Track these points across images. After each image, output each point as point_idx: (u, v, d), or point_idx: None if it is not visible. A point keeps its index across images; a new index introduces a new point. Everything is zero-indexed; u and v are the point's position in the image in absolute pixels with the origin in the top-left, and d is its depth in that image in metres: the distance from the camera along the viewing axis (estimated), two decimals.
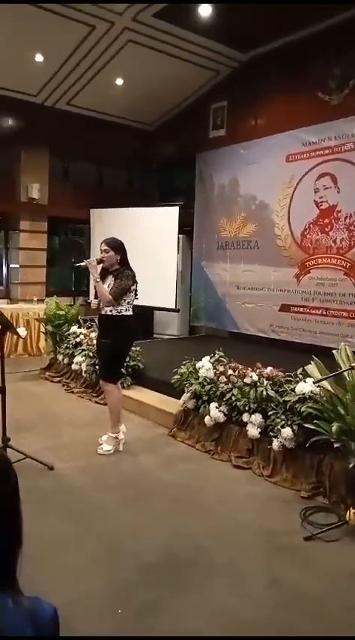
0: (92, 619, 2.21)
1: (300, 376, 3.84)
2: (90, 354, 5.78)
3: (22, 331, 4.24)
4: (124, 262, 4.12)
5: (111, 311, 4.05)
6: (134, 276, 4.08)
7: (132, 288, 4.06)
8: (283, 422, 3.70)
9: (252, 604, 2.34)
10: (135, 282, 4.07)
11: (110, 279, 4.08)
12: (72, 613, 2.08)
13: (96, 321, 4.55)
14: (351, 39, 6.19)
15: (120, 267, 4.09)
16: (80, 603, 2.27)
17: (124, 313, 4.07)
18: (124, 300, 4.05)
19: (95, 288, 4.13)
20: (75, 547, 2.78)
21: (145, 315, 8.41)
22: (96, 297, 4.19)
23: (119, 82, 7.70)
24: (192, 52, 7.16)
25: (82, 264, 4.21)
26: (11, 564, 0.93)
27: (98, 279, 4.06)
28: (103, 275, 4.13)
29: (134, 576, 2.52)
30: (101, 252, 4.11)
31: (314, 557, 2.75)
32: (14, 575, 0.93)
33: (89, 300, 5.05)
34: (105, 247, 4.08)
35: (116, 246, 4.09)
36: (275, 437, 3.74)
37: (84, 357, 5.93)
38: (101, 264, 4.13)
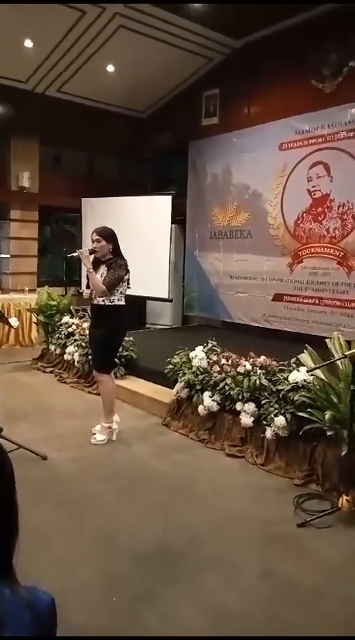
0: (85, 609, 2.21)
1: (293, 365, 3.85)
2: (83, 344, 5.75)
3: (14, 321, 4.21)
4: (117, 251, 4.08)
5: (103, 301, 4.02)
6: (126, 266, 4.04)
7: (125, 277, 4.03)
8: (276, 410, 3.71)
9: (245, 595, 2.35)
10: (127, 271, 4.04)
11: (103, 269, 4.04)
12: (65, 603, 2.07)
13: (89, 311, 4.52)
14: (346, 26, 6.14)
15: (112, 257, 4.05)
16: (73, 593, 2.27)
17: (117, 303, 4.04)
18: (117, 290, 4.01)
19: (88, 279, 4.09)
20: (68, 537, 2.78)
21: (138, 305, 8.38)
22: (88, 287, 4.16)
23: (110, 68, 7.60)
24: (184, 38, 7.07)
25: (74, 254, 4.17)
26: (7, 554, 0.92)
27: (91, 270, 4.02)
28: (96, 265, 4.09)
29: (127, 567, 2.53)
30: (93, 242, 4.07)
31: (307, 545, 2.76)
32: (10, 565, 0.92)
33: (81, 290, 5.01)
34: (97, 237, 4.04)
35: (108, 235, 4.05)
36: (269, 425, 3.75)
37: (76, 348, 5.90)
38: (93, 254, 4.09)
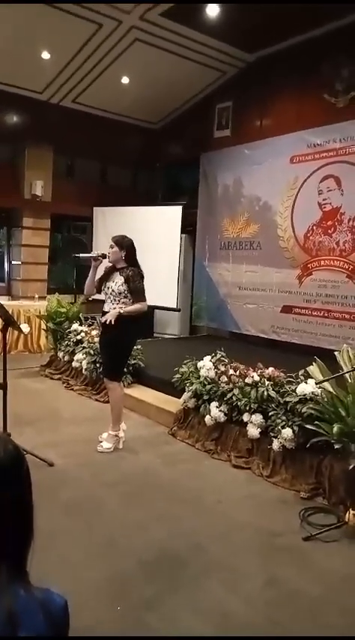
0: (89, 613, 2.21)
1: (302, 377, 3.84)
2: (91, 351, 5.78)
3: (25, 327, 4.25)
4: (131, 260, 4.12)
5: (115, 308, 4.05)
6: (140, 274, 4.10)
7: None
8: (284, 422, 3.70)
9: (248, 603, 2.35)
10: (142, 277, 4.10)
11: (118, 277, 4.08)
12: (69, 606, 2.08)
13: (99, 318, 4.55)
14: None
15: (126, 265, 4.09)
16: (78, 597, 2.25)
17: None
18: (129, 299, 4.05)
19: (125, 312, 4.03)
20: (73, 542, 2.78)
21: (146, 313, 8.38)
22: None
23: (125, 80, 7.70)
24: (198, 51, 7.16)
25: (82, 255, 4.29)
26: (23, 553, 0.93)
27: (121, 312, 3.98)
28: (110, 271, 4.17)
29: (132, 572, 2.53)
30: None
31: (311, 558, 2.75)
32: (25, 566, 0.94)
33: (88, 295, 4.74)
34: (111, 243, 4.13)
35: (123, 243, 4.11)
36: (276, 437, 3.74)
37: (84, 355, 5.93)
38: (104, 259, 4.20)
